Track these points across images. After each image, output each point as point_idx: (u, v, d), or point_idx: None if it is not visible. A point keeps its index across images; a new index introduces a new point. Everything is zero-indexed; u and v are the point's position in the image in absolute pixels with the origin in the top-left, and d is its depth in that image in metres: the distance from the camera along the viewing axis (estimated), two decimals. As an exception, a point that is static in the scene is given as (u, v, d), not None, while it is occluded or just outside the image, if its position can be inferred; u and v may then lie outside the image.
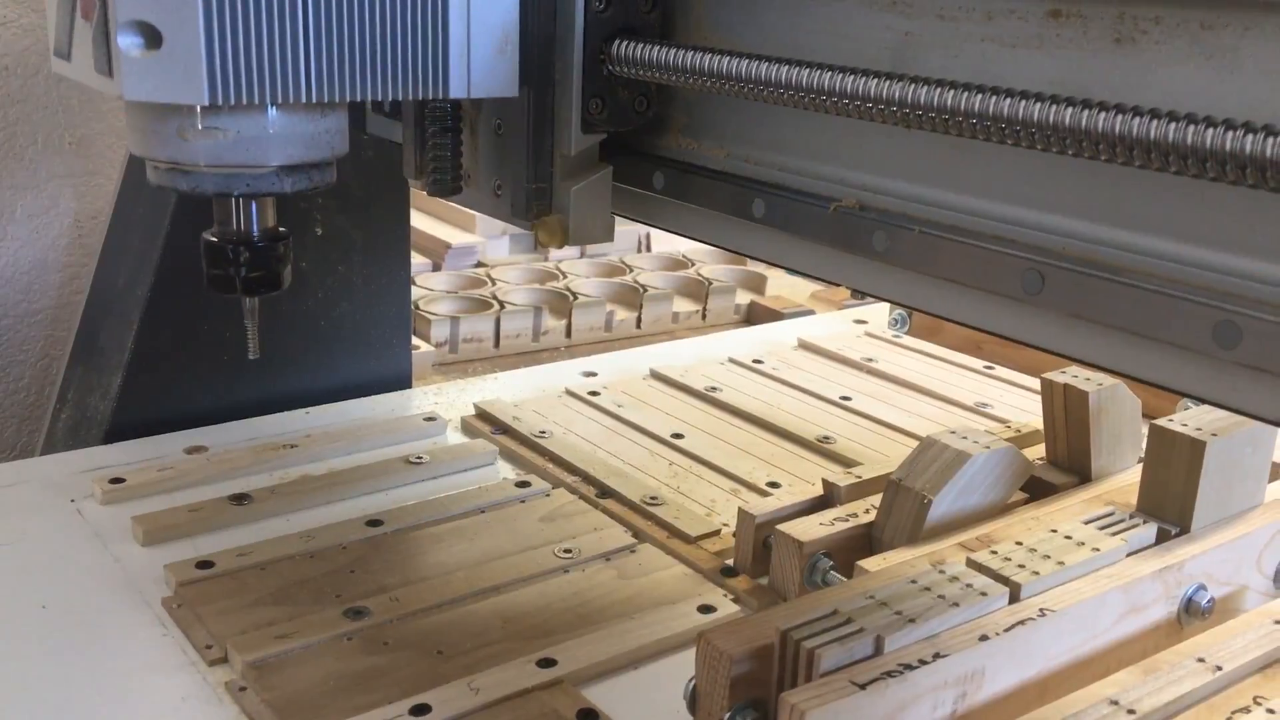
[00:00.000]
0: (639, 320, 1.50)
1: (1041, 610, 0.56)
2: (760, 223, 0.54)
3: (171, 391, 0.87)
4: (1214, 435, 0.64)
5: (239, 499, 0.76)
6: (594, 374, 1.03)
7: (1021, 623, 0.55)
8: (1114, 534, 0.63)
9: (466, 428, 0.90)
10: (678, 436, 0.89)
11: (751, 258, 0.59)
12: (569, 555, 0.71)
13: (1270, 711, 0.54)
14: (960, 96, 0.42)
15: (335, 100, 0.53)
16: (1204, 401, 0.43)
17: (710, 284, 1.59)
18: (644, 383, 1.00)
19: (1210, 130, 0.36)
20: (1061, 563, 0.59)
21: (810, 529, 0.68)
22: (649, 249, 1.91)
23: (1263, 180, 0.35)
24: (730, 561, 0.72)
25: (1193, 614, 0.63)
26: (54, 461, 0.83)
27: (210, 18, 0.50)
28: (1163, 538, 0.65)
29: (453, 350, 1.30)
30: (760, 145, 0.56)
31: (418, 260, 1.66)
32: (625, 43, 0.55)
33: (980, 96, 0.41)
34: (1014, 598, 0.57)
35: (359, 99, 0.54)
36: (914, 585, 0.57)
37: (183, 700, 0.58)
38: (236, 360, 0.87)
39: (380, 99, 0.55)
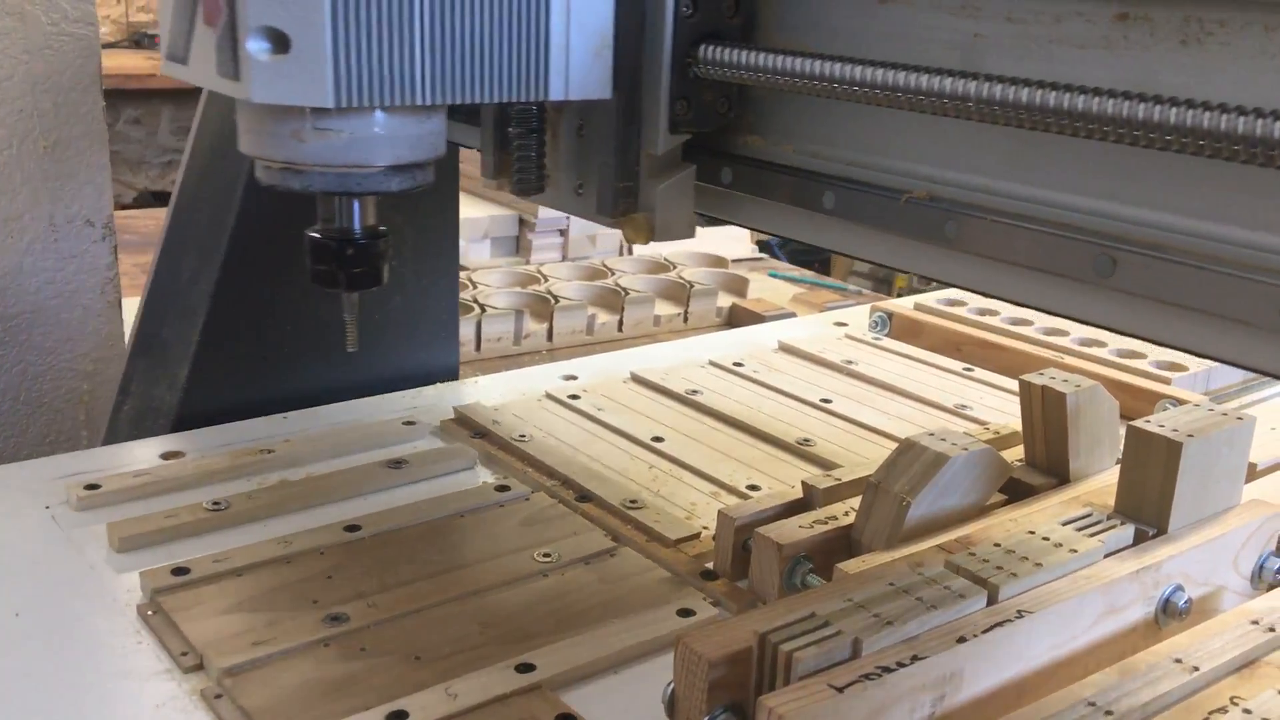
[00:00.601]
0: (620, 323, 1.50)
1: (1019, 612, 0.56)
2: (831, 214, 0.58)
3: (236, 381, 0.90)
4: (1190, 436, 0.64)
5: (216, 505, 0.75)
6: (574, 377, 1.03)
7: (999, 624, 0.55)
8: (1092, 535, 0.63)
9: (446, 432, 0.90)
10: (658, 440, 0.89)
11: (823, 249, 0.62)
12: (548, 559, 0.70)
13: (1247, 712, 0.54)
14: (1036, 94, 0.45)
15: (446, 103, 0.56)
16: (1271, 375, 0.46)
17: (692, 287, 1.59)
18: (624, 386, 1.00)
19: (1277, 123, 0.39)
20: (1039, 564, 0.60)
21: (789, 532, 0.68)
22: (630, 252, 1.91)
23: None
24: (710, 565, 0.71)
25: (1170, 614, 0.63)
26: (29, 467, 0.82)
27: (336, 24, 0.52)
28: (1140, 539, 0.65)
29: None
30: (829, 142, 0.59)
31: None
32: (711, 46, 0.58)
33: (1055, 94, 0.45)
34: (992, 599, 0.57)
35: (467, 101, 0.57)
36: (892, 588, 0.57)
37: (157, 708, 0.57)
38: (296, 350, 0.92)
39: (485, 101, 0.58)
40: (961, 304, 1.19)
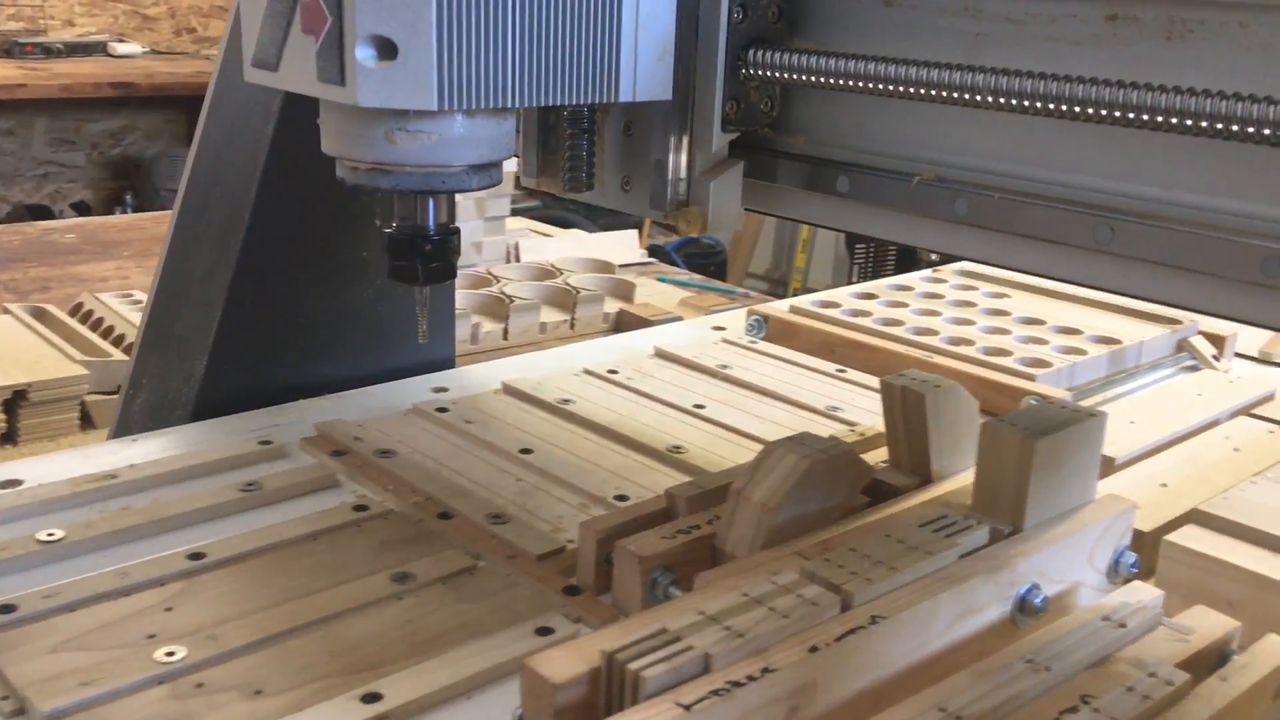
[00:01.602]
0: (505, 331, 1.47)
1: (873, 618, 0.55)
2: (845, 197, 0.65)
3: (252, 373, 0.94)
4: (1042, 434, 0.65)
5: (50, 536, 0.71)
6: (444, 389, 1.00)
7: (852, 631, 0.54)
8: (947, 537, 0.63)
9: (306, 450, 0.86)
10: (526, 452, 0.87)
11: (836, 229, 0.71)
12: (405, 581, 0.68)
13: (1096, 711, 0.54)
14: (1039, 84, 0.53)
15: (531, 105, 0.61)
16: (1256, 325, 0.54)
17: (578, 293, 1.57)
18: (495, 397, 0.98)
19: (1255, 105, 0.47)
20: (894, 569, 0.59)
21: (650, 543, 0.67)
22: (518, 259, 1.89)
23: None
24: (574, 580, 0.70)
25: (1027, 613, 0.63)
26: None
27: (442, 32, 0.56)
28: (996, 538, 0.65)
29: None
30: (842, 132, 0.66)
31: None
32: (760, 50, 0.64)
33: (1056, 83, 0.53)
34: (846, 606, 0.57)
35: (549, 104, 0.62)
36: (746, 598, 0.56)
37: (-29, 760, 0.53)
38: (308, 343, 0.97)
39: (565, 103, 0.62)
40: (835, 305, 1.19)
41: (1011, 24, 0.57)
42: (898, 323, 1.15)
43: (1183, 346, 1.16)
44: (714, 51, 0.64)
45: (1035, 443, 0.64)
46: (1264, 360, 1.19)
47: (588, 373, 1.05)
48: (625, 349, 1.13)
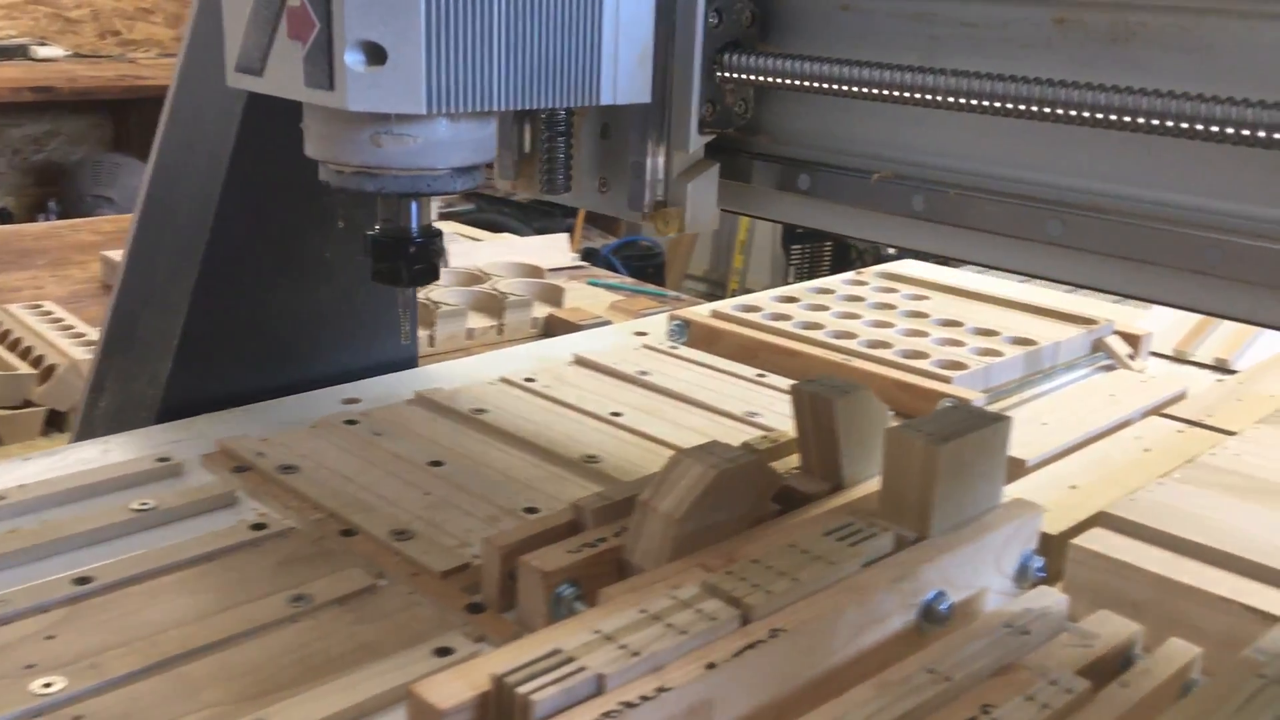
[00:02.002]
0: (432, 338, 1.45)
1: (773, 631, 0.55)
2: (807, 195, 0.68)
3: (217, 375, 0.95)
4: (946, 439, 0.65)
5: (-72, 563, 0.68)
6: (356, 400, 0.98)
7: (751, 646, 0.53)
8: (851, 545, 0.63)
9: (207, 466, 0.84)
10: (436, 464, 0.85)
11: (801, 226, 0.72)
12: (301, 602, 0.66)
13: None
14: (990, 84, 0.56)
15: (516, 108, 0.62)
16: (1194, 310, 0.57)
17: (506, 298, 1.55)
18: (408, 408, 0.96)
19: (1194, 104, 0.49)
20: (796, 579, 0.58)
21: (554, 557, 0.65)
22: (446, 264, 1.86)
23: (1233, 139, 0.49)
24: (478, 597, 0.68)
25: (933, 621, 0.63)
26: None
27: (430, 37, 0.57)
28: (901, 545, 0.64)
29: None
30: (809, 133, 0.69)
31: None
32: (735, 54, 0.66)
33: (1004, 84, 0.55)
34: (746, 619, 0.56)
35: (533, 107, 0.63)
36: (645, 615, 0.55)
37: None
38: (273, 344, 0.98)
39: (549, 106, 0.64)
40: (756, 309, 1.19)
41: (965, 27, 0.60)
42: (818, 326, 1.14)
43: (1099, 346, 1.17)
44: (691, 55, 0.66)
45: (939, 448, 0.64)
46: (1178, 359, 1.20)
47: (505, 381, 1.03)
48: (545, 357, 1.12)
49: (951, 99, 0.57)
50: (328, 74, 0.57)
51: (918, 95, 0.59)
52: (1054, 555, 0.72)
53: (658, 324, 1.24)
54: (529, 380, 1.03)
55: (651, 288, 2.07)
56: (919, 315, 1.19)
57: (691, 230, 0.68)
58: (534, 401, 0.99)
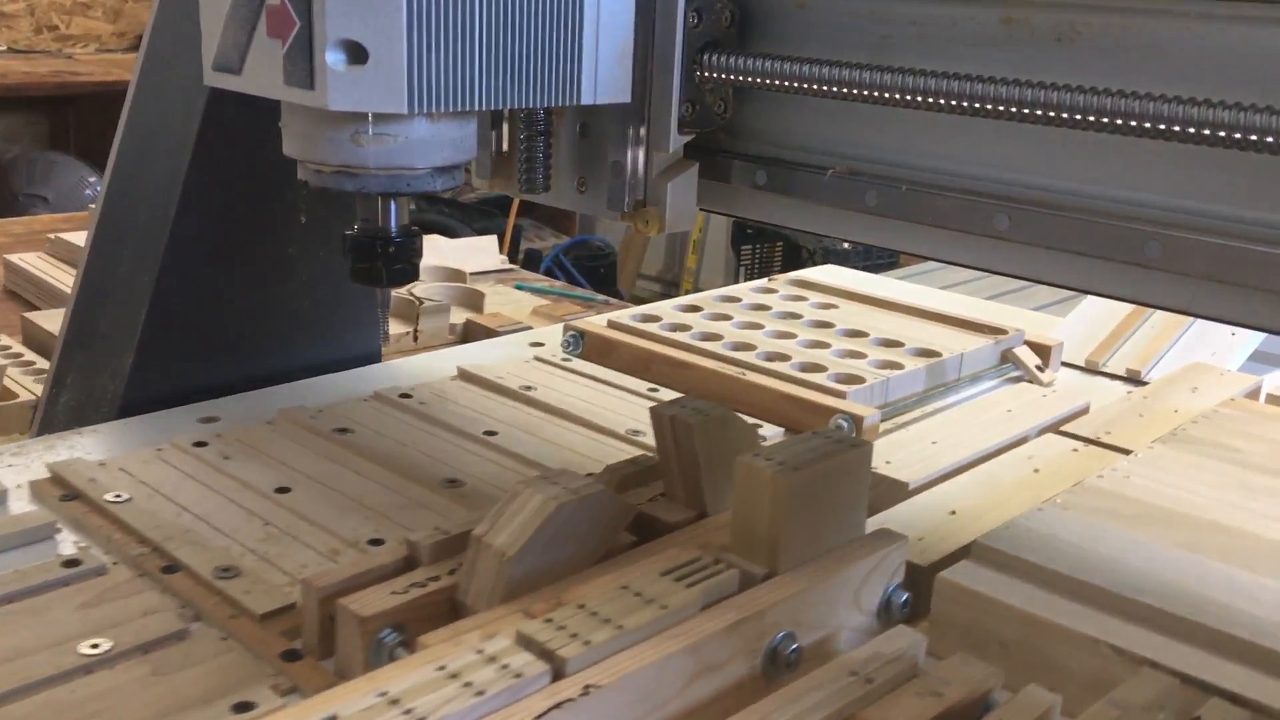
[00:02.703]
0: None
1: (586, 688, 0.50)
2: (764, 189, 0.68)
3: (180, 370, 0.94)
4: (797, 469, 0.60)
5: None
6: (215, 419, 0.92)
7: (559, 705, 0.49)
8: (691, 585, 0.58)
9: (37, 494, 0.78)
10: (283, 490, 0.79)
11: (758, 222, 0.74)
12: (98, 650, 0.60)
13: (826, 779, 0.49)
14: (940, 82, 0.57)
15: (498, 108, 0.63)
16: (1136, 303, 0.59)
17: (421, 304, 1.50)
18: (267, 427, 0.91)
19: (1135, 101, 0.51)
20: (621, 626, 0.54)
21: (374, 600, 0.60)
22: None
23: (1173, 135, 0.51)
24: (299, 643, 0.63)
25: (780, 666, 0.58)
26: None
27: (412, 36, 0.56)
28: (748, 583, 0.60)
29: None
30: (781, 132, 0.69)
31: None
32: (715, 54, 0.66)
33: (956, 82, 0.57)
34: (558, 675, 0.51)
35: (515, 106, 0.64)
36: (441, 673, 0.50)
37: None
38: (236, 339, 0.98)
39: (531, 105, 0.64)
40: (655, 319, 1.14)
41: (915, 26, 0.61)
42: (716, 337, 1.10)
43: (1007, 358, 1.13)
44: (671, 55, 0.66)
45: (788, 479, 0.59)
46: (1089, 369, 1.17)
47: (377, 398, 0.98)
48: (427, 370, 1.07)
49: (901, 96, 0.59)
50: (308, 73, 0.57)
51: (872, 93, 0.60)
52: (924, 589, 0.68)
53: (554, 334, 1.19)
54: (404, 396, 0.98)
55: (580, 292, 2.02)
56: (824, 325, 1.15)
57: (671, 230, 0.68)
58: (404, 419, 0.93)
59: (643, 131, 0.68)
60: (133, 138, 0.96)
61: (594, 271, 4.73)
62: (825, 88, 0.61)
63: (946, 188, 0.61)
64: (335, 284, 1.02)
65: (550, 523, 0.62)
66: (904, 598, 0.65)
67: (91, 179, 3.79)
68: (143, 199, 0.94)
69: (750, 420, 0.95)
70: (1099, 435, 0.90)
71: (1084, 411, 0.99)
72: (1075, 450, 0.87)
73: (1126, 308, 1.23)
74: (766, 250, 4.32)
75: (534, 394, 1.00)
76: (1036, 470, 0.83)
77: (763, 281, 1.31)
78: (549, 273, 4.56)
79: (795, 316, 1.18)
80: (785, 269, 3.98)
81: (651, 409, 0.71)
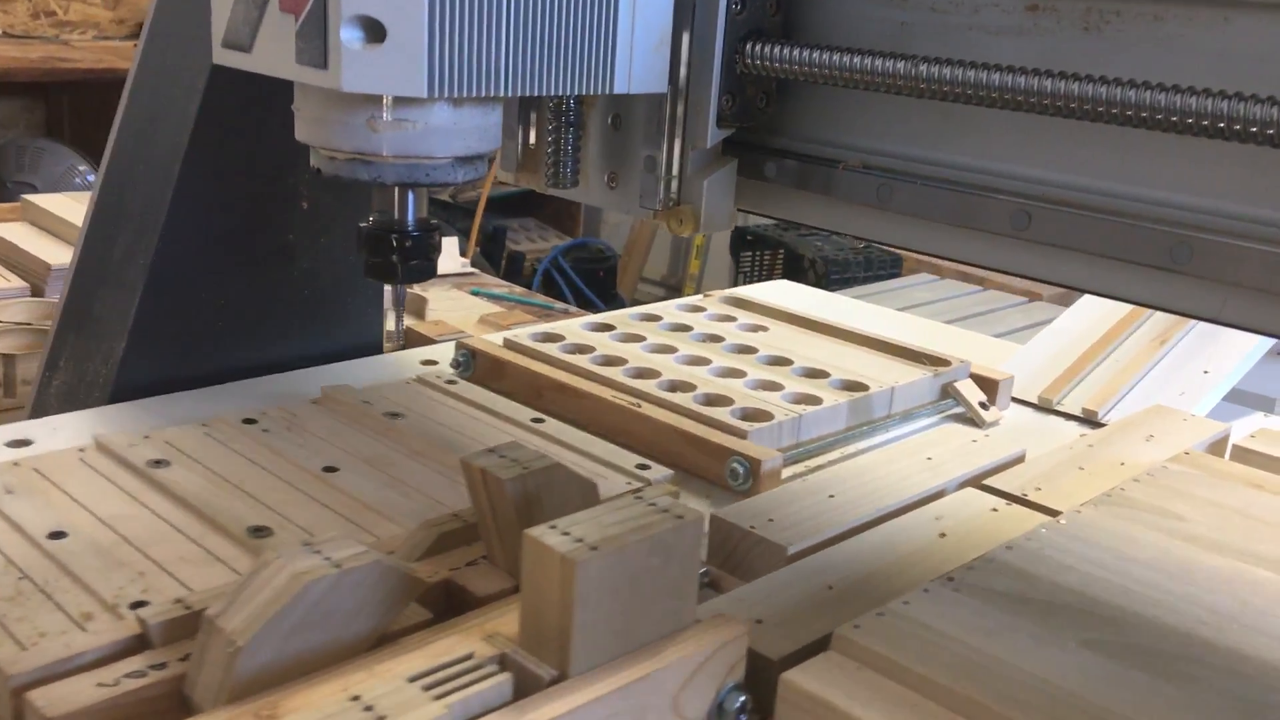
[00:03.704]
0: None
1: (254, 843, 0.39)
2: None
3: (172, 355, 0.92)
4: (594, 549, 0.49)
5: None
6: (27, 442, 0.82)
7: None
8: (443, 696, 0.47)
9: None
10: (57, 536, 0.68)
11: (765, 215, 0.69)
12: None
13: None
14: (959, 71, 0.55)
15: (524, 94, 0.58)
16: (1159, 309, 0.55)
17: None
18: (77, 457, 0.80)
19: (1165, 94, 0.49)
20: (329, 755, 0.42)
21: (73, 693, 0.49)
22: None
23: (1207, 131, 0.48)
24: (-7, 737, 0.52)
25: (558, 795, 0.47)
26: None
27: (433, 14, 0.53)
28: (529, 689, 0.49)
29: (9, 395, 1.07)
30: (826, 128, 0.66)
31: (13, 284, 1.41)
32: (758, 43, 0.62)
33: (975, 71, 0.54)
34: (225, 823, 0.40)
35: (542, 93, 0.59)
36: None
37: None
38: (231, 326, 0.95)
39: (558, 93, 0.60)
40: (558, 339, 1.03)
41: (935, 14, 0.59)
42: (620, 361, 0.98)
43: (948, 392, 1.01)
44: (711, 43, 0.62)
45: (583, 561, 0.48)
46: (1042, 407, 1.05)
47: (202, 426, 0.86)
48: (286, 393, 0.95)
49: (916, 86, 0.56)
50: (322, 51, 0.54)
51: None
52: (772, 688, 0.56)
53: (445, 353, 1.07)
54: (249, 421, 0.87)
55: (541, 299, 1.90)
56: (746, 351, 1.04)
57: (707, 230, 0.66)
58: (238, 449, 0.82)
59: (679, 125, 0.65)
60: (133, 119, 0.94)
61: (593, 274, 4.62)
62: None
63: (961, 183, 0.59)
64: (336, 273, 0.99)
65: (297, 603, 0.50)
66: (740, 701, 0.54)
67: (81, 167, 3.72)
68: (141, 181, 0.92)
69: (641, 459, 0.84)
70: (1026, 491, 0.78)
71: (1019, 460, 0.87)
72: (995, 510, 0.75)
73: (1088, 339, 1.11)
74: (768, 257, 4.20)
75: (399, 422, 0.88)
76: (943, 535, 0.71)
77: (693, 299, 1.20)
78: (546, 275, 4.46)
79: (716, 340, 1.06)
80: (786, 278, 3.86)
81: (462, 459, 0.60)
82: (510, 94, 0.57)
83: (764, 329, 1.11)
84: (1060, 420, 1.03)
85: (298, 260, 0.97)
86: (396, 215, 0.67)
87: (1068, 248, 0.55)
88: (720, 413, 0.88)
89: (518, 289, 2.00)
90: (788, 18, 0.65)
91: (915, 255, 3.89)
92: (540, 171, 0.70)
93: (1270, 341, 1.15)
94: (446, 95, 0.55)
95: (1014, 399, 1.05)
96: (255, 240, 0.94)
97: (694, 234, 0.65)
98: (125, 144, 0.94)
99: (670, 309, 1.16)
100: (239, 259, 0.94)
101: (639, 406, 0.90)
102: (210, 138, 0.88)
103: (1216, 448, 0.91)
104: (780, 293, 1.39)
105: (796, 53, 0.60)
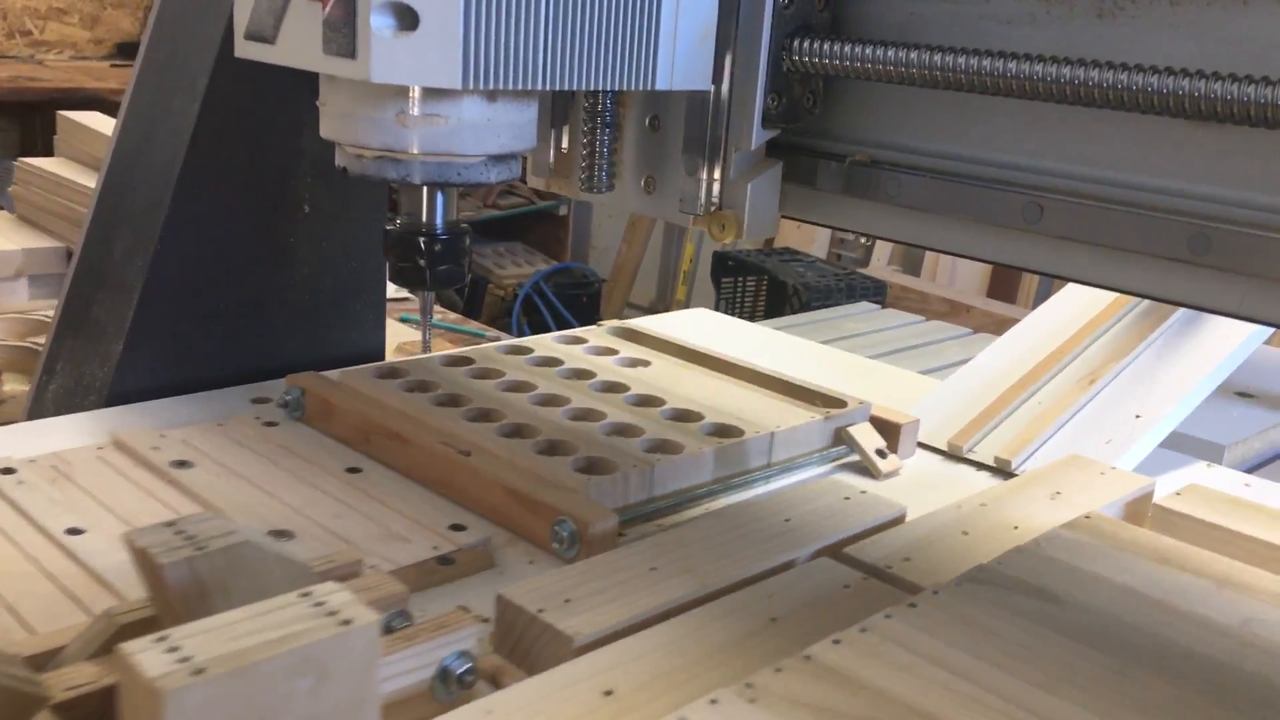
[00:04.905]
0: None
1: None
2: (883, 201, 0.62)
3: (170, 358, 0.91)
4: (200, 672, 0.37)
5: None
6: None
7: None
8: None
9: None
10: None
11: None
12: None
13: None
14: (973, 60, 0.55)
15: (562, 88, 0.55)
16: (1176, 304, 0.57)
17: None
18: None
19: (1183, 80, 0.48)
20: None
21: None
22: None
23: (1227, 117, 0.48)
24: None
25: None
26: None
27: (470, 1, 0.51)
28: None
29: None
30: (874, 130, 0.63)
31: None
32: (806, 39, 0.59)
33: (990, 60, 0.54)
34: None
35: (581, 87, 0.56)
36: None
37: None
38: (231, 330, 0.93)
39: (598, 88, 0.57)
40: (401, 375, 0.91)
41: (945, 3, 0.58)
42: (463, 401, 0.87)
43: (842, 438, 0.89)
44: (757, 40, 0.60)
45: (162, 696, 0.36)
46: (952, 455, 0.92)
47: (-28, 473, 0.75)
48: (82, 430, 0.84)
49: (928, 76, 0.56)
50: (350, 40, 0.51)
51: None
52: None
53: (274, 389, 0.95)
54: (7, 471, 0.75)
55: (472, 327, 1.79)
56: (616, 389, 0.92)
57: (751, 236, 0.63)
58: (-18, 506, 0.71)
59: (722, 126, 0.62)
60: (134, 120, 0.92)
61: (576, 300, 4.51)
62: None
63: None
64: (338, 278, 0.98)
65: None
66: None
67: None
68: (141, 183, 0.91)
69: (461, 519, 0.72)
70: (892, 563, 0.66)
71: (897, 521, 0.74)
72: (846, 587, 0.63)
73: (1009, 378, 0.99)
74: (754, 284, 4.08)
75: (187, 473, 0.77)
76: (773, 619, 0.59)
77: (573, 331, 1.08)
78: (528, 301, 4.35)
79: (586, 376, 0.94)
80: (769, 306, 3.75)
81: (125, 535, 0.48)
82: (547, 87, 0.54)
83: (645, 364, 0.99)
84: (971, 470, 0.91)
85: (299, 264, 0.95)
86: (425, 217, 0.65)
87: (1082, 240, 0.54)
88: (558, 464, 0.76)
89: (452, 316, 1.88)
90: (835, 14, 0.62)
91: (899, 283, 3.77)
92: (574, 176, 0.67)
93: (1222, 377, 1.03)
94: (481, 87, 0.52)
95: (922, 445, 0.93)
96: (256, 243, 0.92)
97: (736, 240, 0.63)
98: (126, 146, 0.93)
99: (546, 341, 1.04)
100: (239, 262, 0.92)
101: (468, 456, 0.78)
102: (211, 140, 0.87)
103: (1137, 506, 0.79)
104: (693, 322, 1.27)
105: (848, 49, 0.58)
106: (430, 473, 0.79)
